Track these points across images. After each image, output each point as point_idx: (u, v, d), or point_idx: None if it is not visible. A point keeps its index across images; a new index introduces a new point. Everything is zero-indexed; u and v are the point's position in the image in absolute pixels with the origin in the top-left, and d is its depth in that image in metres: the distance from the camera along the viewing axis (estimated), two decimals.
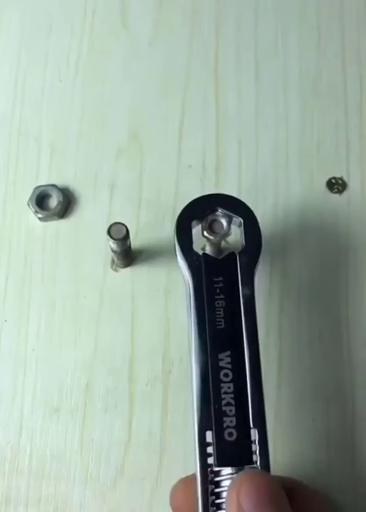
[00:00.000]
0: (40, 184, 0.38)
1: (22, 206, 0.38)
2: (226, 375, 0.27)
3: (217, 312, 0.28)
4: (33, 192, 0.38)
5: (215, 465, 0.26)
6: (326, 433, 0.35)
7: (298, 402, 0.35)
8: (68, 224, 0.38)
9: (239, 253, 0.30)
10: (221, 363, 0.27)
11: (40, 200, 0.38)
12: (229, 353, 0.28)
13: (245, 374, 0.28)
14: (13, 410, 0.35)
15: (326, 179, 0.39)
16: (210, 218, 0.31)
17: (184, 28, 0.42)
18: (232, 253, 0.30)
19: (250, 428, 0.27)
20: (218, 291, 0.29)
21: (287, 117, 0.40)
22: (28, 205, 0.38)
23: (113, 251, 0.35)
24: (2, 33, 0.42)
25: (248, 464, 0.26)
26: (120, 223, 0.33)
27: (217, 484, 0.27)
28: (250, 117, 0.40)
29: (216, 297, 0.29)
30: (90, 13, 0.43)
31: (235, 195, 0.38)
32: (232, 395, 0.27)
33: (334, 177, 0.39)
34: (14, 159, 0.39)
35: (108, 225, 0.33)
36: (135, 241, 0.37)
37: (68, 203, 0.38)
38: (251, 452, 0.27)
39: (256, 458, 0.27)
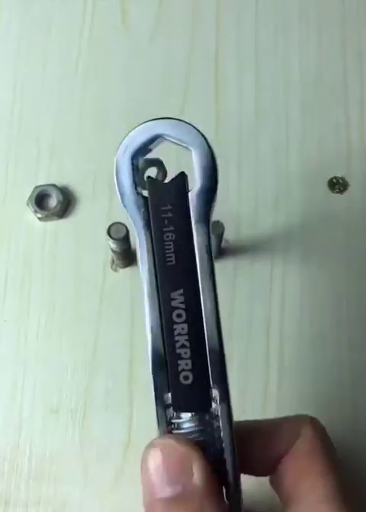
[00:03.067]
0: (39, 184, 0.38)
1: (22, 205, 0.38)
2: (180, 315, 0.25)
3: (167, 247, 0.25)
4: (33, 191, 0.38)
5: (173, 410, 0.25)
6: None
7: (299, 403, 0.35)
8: (67, 224, 0.38)
9: (191, 193, 0.25)
10: (173, 303, 0.25)
11: (40, 200, 0.38)
12: (181, 291, 0.25)
13: (201, 314, 0.25)
14: (12, 410, 0.35)
15: (327, 179, 0.39)
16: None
17: (184, 27, 0.42)
18: (181, 173, 0.25)
19: (208, 371, 0.25)
20: (167, 222, 0.25)
21: (288, 117, 0.40)
22: (28, 205, 0.38)
23: (113, 251, 0.35)
24: (2, 32, 0.42)
25: (206, 408, 0.25)
26: (119, 223, 0.33)
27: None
28: (250, 117, 0.40)
29: (165, 230, 0.25)
30: (89, 12, 0.43)
31: (235, 197, 0.38)
32: (186, 337, 0.25)
33: (335, 177, 0.39)
34: (13, 159, 0.39)
35: (108, 225, 0.32)
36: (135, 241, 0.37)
37: (67, 203, 0.38)
38: (209, 397, 0.25)
39: (215, 404, 0.25)
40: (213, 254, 0.25)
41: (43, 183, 0.38)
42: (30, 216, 0.38)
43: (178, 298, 0.25)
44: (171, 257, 0.25)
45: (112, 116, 0.40)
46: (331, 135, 0.40)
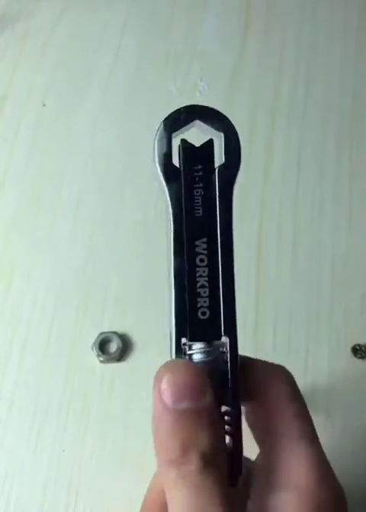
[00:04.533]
0: (103, 331, 0.45)
1: (87, 349, 0.45)
2: (202, 260, 0.28)
3: (196, 200, 0.28)
4: (98, 337, 0.44)
5: (188, 340, 0.27)
6: None
7: None
8: (124, 367, 0.44)
9: (219, 168, 0.29)
10: (198, 249, 0.28)
11: (102, 345, 0.44)
12: (205, 239, 0.28)
13: (219, 260, 0.28)
14: None
15: (351, 345, 0.45)
16: None
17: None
18: (210, 139, 0.29)
19: (220, 308, 0.28)
20: (197, 179, 0.28)
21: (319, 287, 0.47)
22: (92, 349, 0.44)
23: None
24: (85, 209, 0.51)
25: (217, 339, 0.28)
26: None
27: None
28: (287, 285, 0.47)
29: (196, 186, 0.28)
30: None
31: (270, 354, 0.44)
32: (206, 279, 0.28)
33: (358, 344, 0.45)
34: (82, 307, 0.47)
35: None
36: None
37: (125, 349, 0.45)
38: (220, 329, 0.28)
39: (224, 336, 0.28)
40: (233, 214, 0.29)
41: (106, 329, 0.45)
42: (93, 358, 0.44)
43: (201, 245, 0.28)
44: (198, 209, 0.28)
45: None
46: (356, 306, 0.46)
